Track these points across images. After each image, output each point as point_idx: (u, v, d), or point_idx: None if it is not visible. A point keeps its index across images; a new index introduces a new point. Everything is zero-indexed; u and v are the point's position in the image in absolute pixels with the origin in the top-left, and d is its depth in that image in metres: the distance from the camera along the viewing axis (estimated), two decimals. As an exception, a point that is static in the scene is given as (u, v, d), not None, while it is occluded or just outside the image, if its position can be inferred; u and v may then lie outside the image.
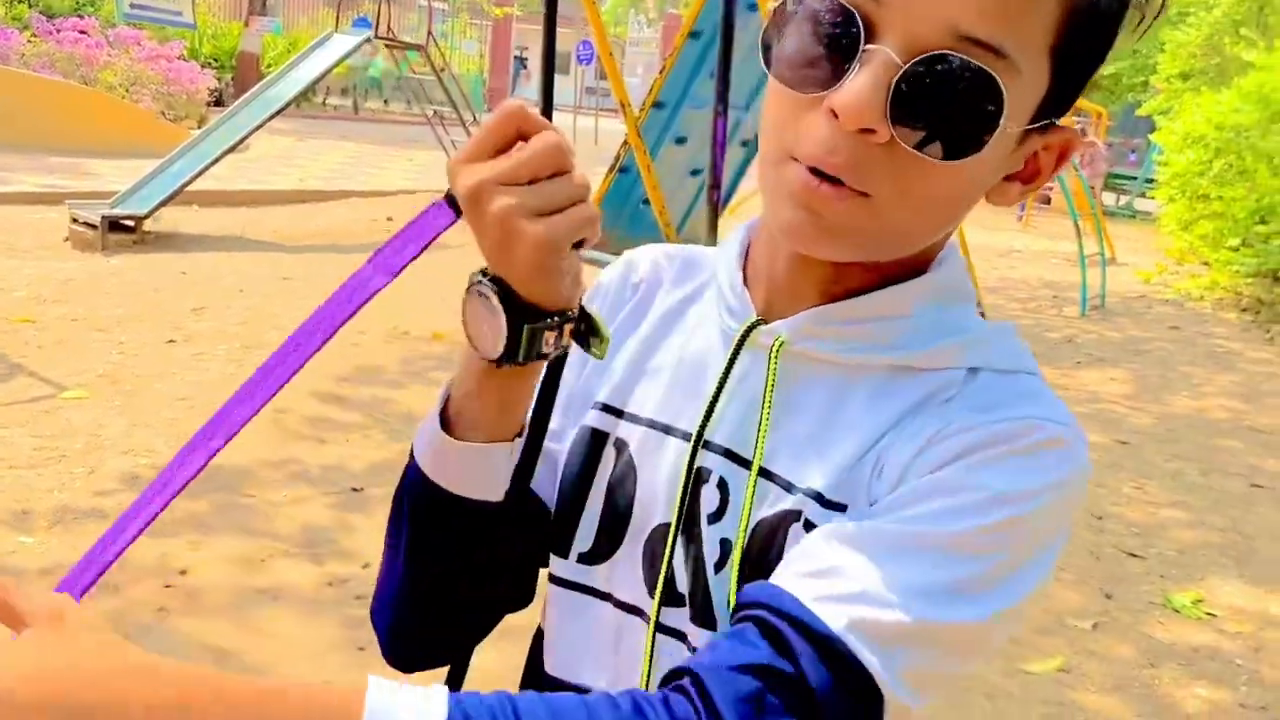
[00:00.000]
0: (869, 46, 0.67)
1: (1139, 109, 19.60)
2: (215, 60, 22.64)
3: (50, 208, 9.91)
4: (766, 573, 0.76)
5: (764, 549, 0.80)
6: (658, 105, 7.89)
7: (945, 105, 0.67)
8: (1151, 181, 17.03)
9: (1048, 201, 17.89)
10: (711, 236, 2.94)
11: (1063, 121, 0.76)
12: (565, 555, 0.91)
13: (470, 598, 0.89)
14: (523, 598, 0.95)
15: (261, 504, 3.93)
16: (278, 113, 9.89)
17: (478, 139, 0.70)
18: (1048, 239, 15.11)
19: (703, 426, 0.84)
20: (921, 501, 0.73)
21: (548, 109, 3.38)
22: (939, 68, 0.66)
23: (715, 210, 2.98)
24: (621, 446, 0.90)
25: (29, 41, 15.11)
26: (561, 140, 0.69)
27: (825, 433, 0.81)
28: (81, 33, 15.56)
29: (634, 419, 0.90)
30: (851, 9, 0.67)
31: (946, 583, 0.70)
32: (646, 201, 8.48)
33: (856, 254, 0.76)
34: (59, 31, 15.40)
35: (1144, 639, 3.61)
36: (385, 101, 27.99)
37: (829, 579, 0.70)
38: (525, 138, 0.69)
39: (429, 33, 12.13)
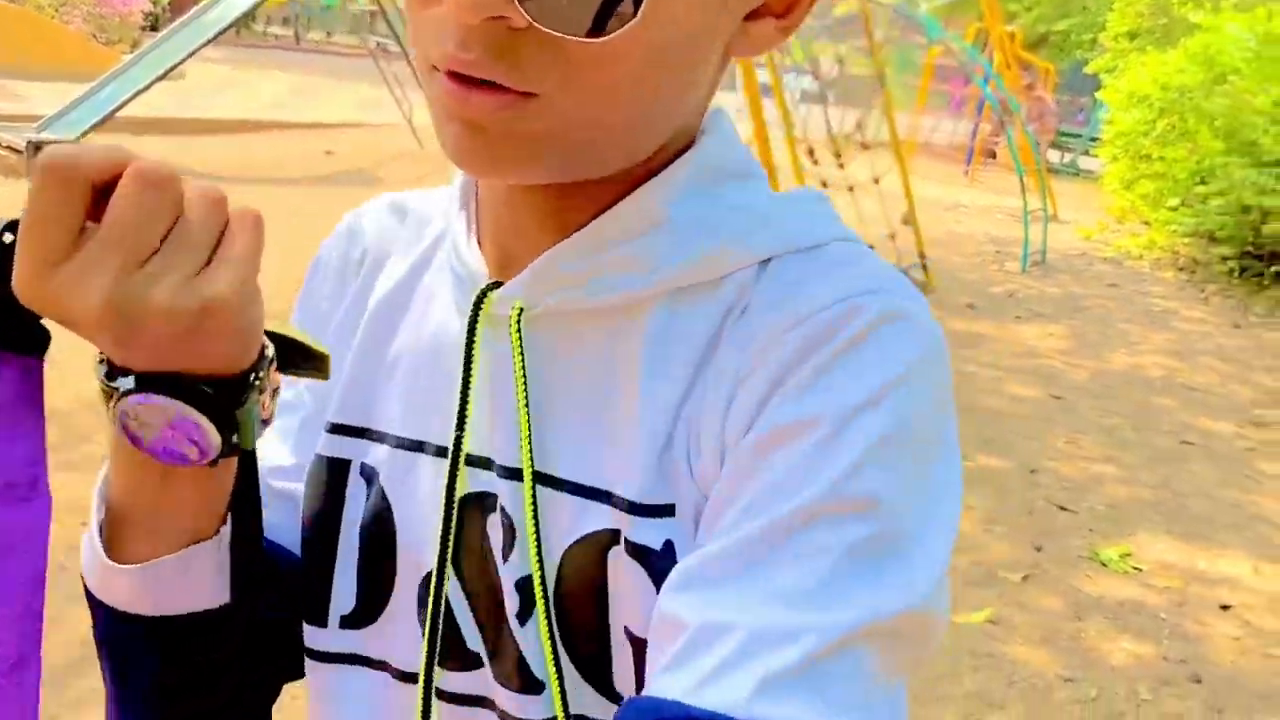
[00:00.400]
0: None
1: (1086, 66, 19.72)
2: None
3: (-27, 130, 9.56)
4: (593, 620, 0.62)
5: (583, 589, 0.63)
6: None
7: None
8: (1096, 140, 17.17)
9: (994, 156, 17.97)
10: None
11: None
12: (324, 622, 0.71)
13: (235, 699, 0.69)
14: (299, 665, 0.74)
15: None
16: (214, 38, 9.57)
17: (36, 232, 0.49)
18: (993, 194, 15.19)
19: (458, 438, 0.65)
20: (757, 473, 0.56)
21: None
22: None
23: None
24: (370, 475, 0.70)
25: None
26: (152, 168, 0.51)
27: (608, 413, 0.63)
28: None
29: (379, 437, 0.70)
30: None
31: (841, 567, 0.53)
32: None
33: (551, 170, 0.59)
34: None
35: (1072, 592, 3.64)
36: (329, 33, 27.37)
37: (708, 646, 0.52)
38: (102, 189, 0.50)
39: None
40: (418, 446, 0.68)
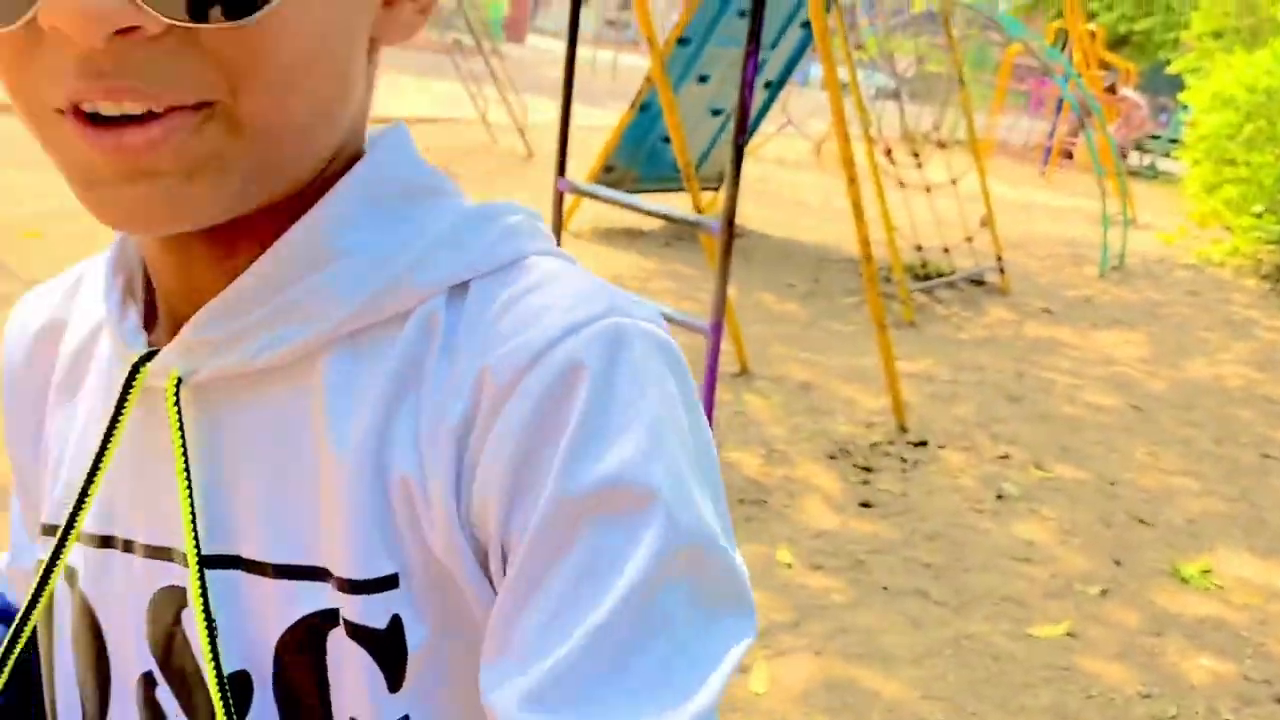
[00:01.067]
0: None
1: (1168, 67, 19.29)
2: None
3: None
4: (318, 711, 0.56)
5: (303, 677, 0.56)
6: (682, 41, 7.74)
7: None
8: (1176, 142, 16.78)
9: (1070, 156, 17.67)
10: (734, 180, 2.86)
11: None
12: None
13: None
14: None
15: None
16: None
17: None
18: (1068, 195, 14.93)
19: (69, 525, 0.57)
20: (535, 592, 0.49)
21: (572, 43, 3.28)
22: None
23: (739, 153, 2.89)
24: (72, 578, 0.63)
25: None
26: None
27: (300, 482, 0.55)
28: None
29: (66, 534, 0.59)
30: None
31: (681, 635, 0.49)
32: (665, 139, 8.37)
33: (242, 200, 0.51)
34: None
35: (1151, 607, 3.58)
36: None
37: None
38: None
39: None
40: (105, 541, 0.61)
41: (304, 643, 0.56)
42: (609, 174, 8.55)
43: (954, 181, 7.59)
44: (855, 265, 7.53)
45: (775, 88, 9.11)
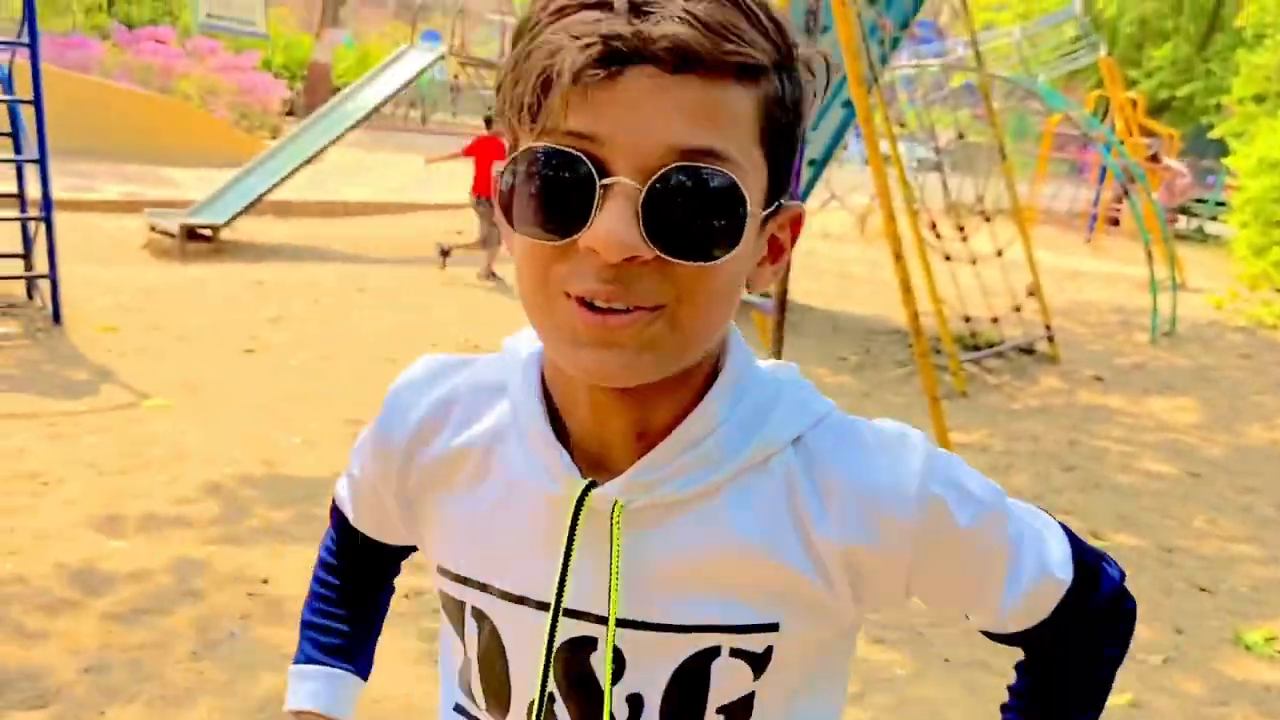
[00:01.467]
0: (605, 181, 0.69)
1: (1211, 131, 19.29)
2: (287, 70, 23.12)
3: (129, 215, 10.19)
4: (694, 714, 0.84)
5: (688, 692, 0.84)
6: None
7: (694, 212, 0.70)
8: (1222, 205, 16.74)
9: (1116, 223, 17.65)
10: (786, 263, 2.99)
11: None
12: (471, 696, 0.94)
13: None
14: None
15: (338, 515, 4.03)
16: (353, 127, 10.08)
17: None
18: (1116, 262, 14.92)
19: (557, 603, 0.83)
20: (989, 588, 0.90)
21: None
22: (675, 181, 0.69)
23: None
24: (480, 617, 0.90)
25: (109, 51, 15.52)
26: None
27: (704, 569, 0.83)
28: (159, 42, 15.96)
29: (482, 588, 0.89)
30: (577, 153, 0.70)
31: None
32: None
33: (662, 370, 0.76)
34: (138, 42, 15.81)
35: (1215, 676, 3.57)
36: (454, 114, 28.35)
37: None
38: None
39: (501, 50, 12.25)
40: (520, 600, 0.87)
41: (693, 670, 0.84)
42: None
43: (999, 253, 7.67)
44: (904, 336, 7.59)
45: (819, 165, 9.26)
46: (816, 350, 7.51)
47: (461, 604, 0.90)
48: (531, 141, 0.72)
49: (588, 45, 0.69)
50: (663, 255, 0.70)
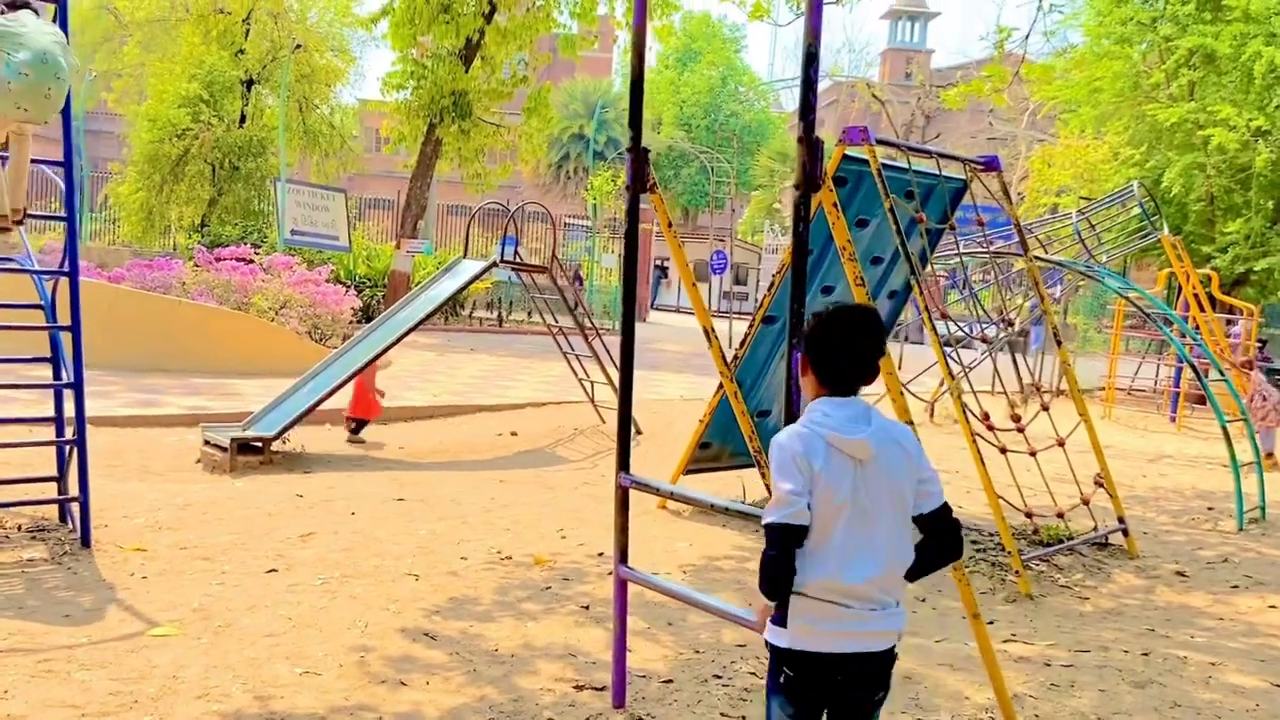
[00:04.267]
0: None
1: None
2: (369, 280, 23.93)
3: (190, 429, 10.34)
4: None
5: None
6: (768, 320, 7.83)
7: None
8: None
9: (1202, 401, 17.02)
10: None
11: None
12: None
13: None
14: None
15: (325, 757, 3.75)
16: (403, 336, 10.19)
17: None
18: (1202, 442, 14.29)
19: None
20: None
21: (628, 345, 3.34)
22: None
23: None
24: None
25: (190, 270, 16.18)
26: None
27: None
28: (240, 260, 16.61)
29: None
30: None
31: None
32: (760, 414, 8.33)
33: None
34: (219, 261, 16.47)
35: None
36: (529, 314, 28.99)
37: None
38: None
39: (553, 255, 12.50)
40: None
41: None
42: (704, 450, 8.50)
43: (1061, 444, 7.30)
44: (968, 533, 7.17)
45: (901, 298, 8.89)
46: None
47: None
48: None
49: None
50: None
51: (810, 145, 3.37)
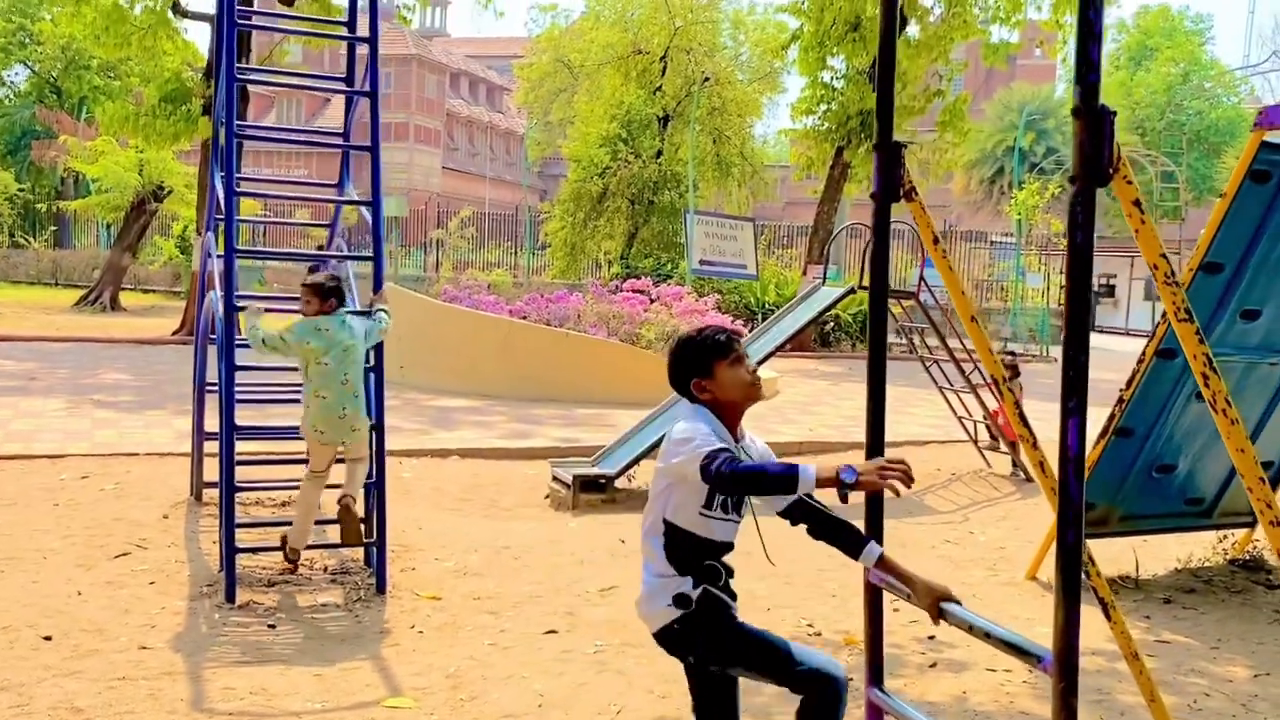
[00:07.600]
0: None
1: None
2: (778, 307, 23.66)
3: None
4: None
5: None
6: (1163, 354, 6.33)
7: None
8: None
9: None
10: None
11: None
12: None
13: None
14: None
15: None
16: (759, 364, 9.54)
17: None
18: None
19: None
20: None
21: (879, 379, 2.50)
22: None
23: None
24: None
25: (588, 303, 16.58)
26: None
27: None
28: (637, 292, 16.81)
29: None
30: None
31: None
32: (1161, 469, 6.83)
33: None
34: (615, 293, 16.76)
35: None
36: (943, 338, 27.45)
37: None
38: None
39: (920, 279, 11.38)
40: None
41: None
42: (1089, 512, 7.09)
43: None
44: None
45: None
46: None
47: None
48: None
49: None
50: None
51: (1092, 119, 2.35)
